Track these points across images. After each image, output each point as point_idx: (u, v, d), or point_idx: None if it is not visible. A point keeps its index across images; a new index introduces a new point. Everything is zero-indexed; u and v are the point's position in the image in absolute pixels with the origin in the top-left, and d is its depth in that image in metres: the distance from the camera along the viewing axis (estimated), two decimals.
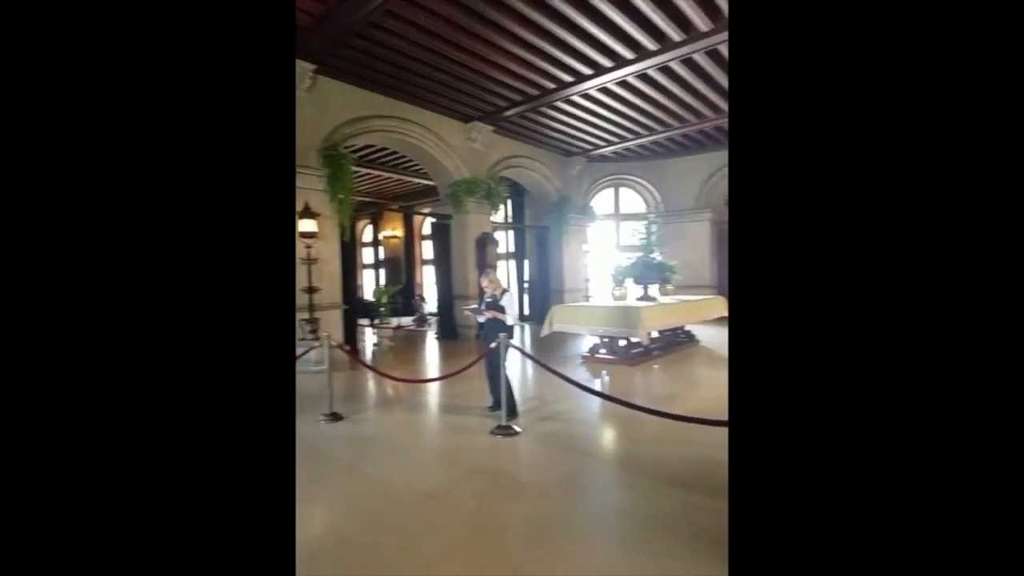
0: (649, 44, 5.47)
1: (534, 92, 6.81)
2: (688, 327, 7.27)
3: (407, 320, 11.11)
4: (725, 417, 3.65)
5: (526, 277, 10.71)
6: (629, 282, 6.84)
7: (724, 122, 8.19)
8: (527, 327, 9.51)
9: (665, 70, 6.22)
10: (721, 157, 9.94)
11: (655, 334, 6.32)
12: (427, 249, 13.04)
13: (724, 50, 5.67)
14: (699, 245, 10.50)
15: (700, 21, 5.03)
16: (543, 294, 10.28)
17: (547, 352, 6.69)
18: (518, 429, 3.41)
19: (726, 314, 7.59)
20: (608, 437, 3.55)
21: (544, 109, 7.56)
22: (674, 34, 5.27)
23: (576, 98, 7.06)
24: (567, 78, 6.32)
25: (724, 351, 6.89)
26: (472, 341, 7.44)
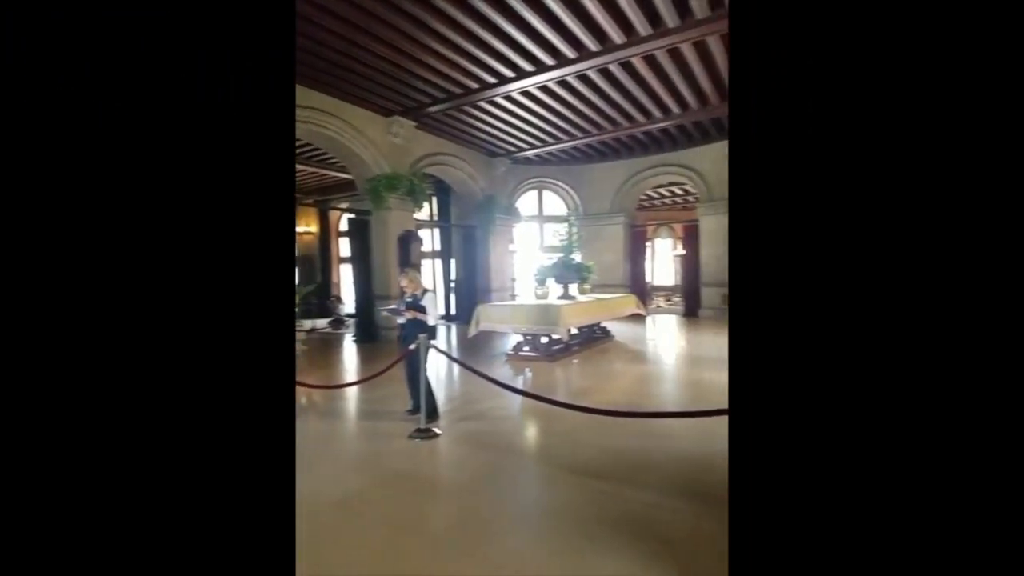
0: (568, 52, 5.68)
1: (457, 90, 6.76)
2: (604, 323, 7.67)
3: (322, 322, 10.47)
4: (637, 408, 3.87)
5: (453, 276, 10.60)
6: (551, 281, 7.07)
7: (636, 130, 8.78)
8: (454, 327, 9.42)
9: (583, 78, 6.50)
10: (635, 164, 10.65)
11: (574, 330, 6.58)
12: (344, 247, 12.40)
13: (637, 63, 6.07)
14: (614, 246, 11.14)
15: (615, 34, 5.32)
16: (470, 293, 10.24)
17: (473, 351, 6.68)
18: (438, 431, 3.36)
19: (637, 311, 8.13)
20: (527, 433, 3.62)
21: (467, 108, 7.54)
22: (591, 44, 5.52)
23: (499, 99, 7.13)
24: (489, 79, 6.36)
25: (636, 345, 7.37)
26: (393, 343, 7.19)
